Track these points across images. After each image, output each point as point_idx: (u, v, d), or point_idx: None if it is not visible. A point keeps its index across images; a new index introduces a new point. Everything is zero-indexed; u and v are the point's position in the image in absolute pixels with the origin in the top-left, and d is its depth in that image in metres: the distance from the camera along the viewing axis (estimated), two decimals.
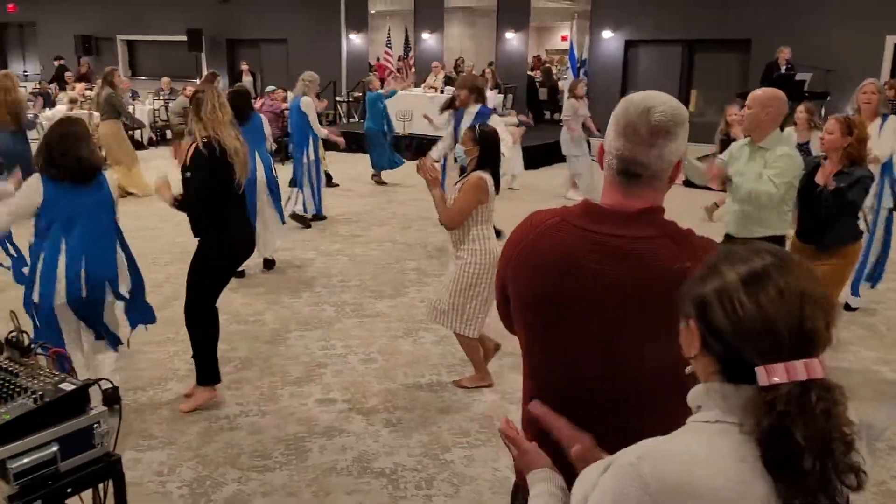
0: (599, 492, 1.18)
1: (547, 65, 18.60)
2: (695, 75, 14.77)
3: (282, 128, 12.43)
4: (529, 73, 17.22)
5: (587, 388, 1.61)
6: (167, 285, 6.62)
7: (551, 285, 1.63)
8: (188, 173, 4.17)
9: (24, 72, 21.28)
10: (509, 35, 16.71)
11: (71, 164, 3.73)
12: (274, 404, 4.49)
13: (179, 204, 4.25)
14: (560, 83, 17.31)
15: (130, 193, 10.17)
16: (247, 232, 4.52)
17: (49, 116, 11.96)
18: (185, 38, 18.89)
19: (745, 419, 1.08)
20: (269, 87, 14.28)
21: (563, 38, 18.11)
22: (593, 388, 1.61)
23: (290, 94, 14.29)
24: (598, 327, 1.58)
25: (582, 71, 15.14)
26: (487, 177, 4.33)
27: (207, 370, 4.40)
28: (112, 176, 4.12)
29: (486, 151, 4.40)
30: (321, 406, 4.49)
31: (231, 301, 6.22)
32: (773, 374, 1.06)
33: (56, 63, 18.58)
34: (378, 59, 17.94)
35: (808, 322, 1.07)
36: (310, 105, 8.46)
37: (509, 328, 1.89)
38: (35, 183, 3.74)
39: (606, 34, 15.39)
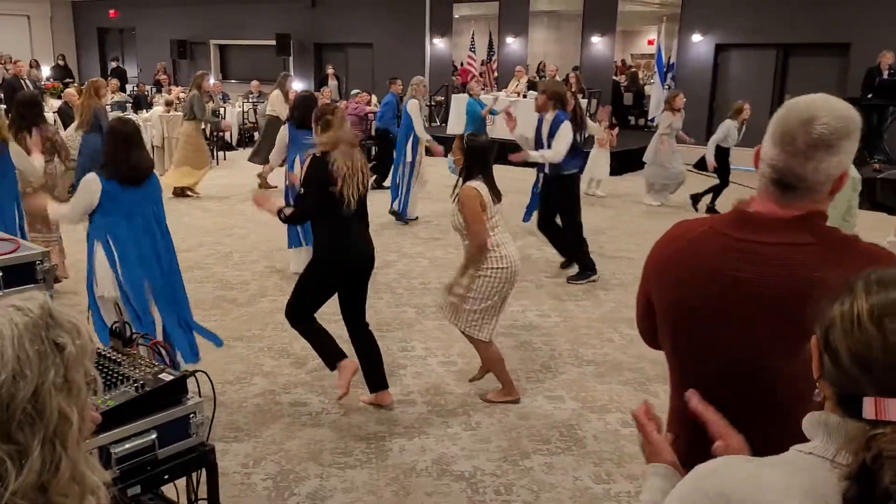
0: (675, 495, 1.16)
1: (633, 69, 18.31)
2: (789, 81, 14.23)
3: (365, 131, 12.63)
4: (614, 77, 16.99)
5: (731, 391, 1.58)
6: (254, 283, 6.80)
7: (699, 295, 1.61)
8: (301, 189, 4.26)
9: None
10: (595, 39, 16.52)
11: (123, 167, 3.99)
12: (355, 402, 4.55)
13: (286, 217, 4.30)
14: (646, 88, 17.02)
15: (187, 195, 10.53)
16: (362, 247, 4.38)
17: (146, 118, 12.47)
18: (273, 42, 19.41)
19: (843, 455, 1.01)
20: (354, 91, 14.53)
21: (650, 43, 17.78)
22: (737, 391, 1.58)
23: (374, 98, 14.56)
24: (744, 334, 1.55)
25: (669, 76, 14.84)
26: (477, 185, 4.25)
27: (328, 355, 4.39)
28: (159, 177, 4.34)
29: (473, 160, 4.30)
30: (401, 406, 4.52)
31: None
32: (884, 409, 0.97)
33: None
34: (462, 64, 18.02)
35: None
36: (415, 108, 8.67)
37: (650, 342, 1.91)
38: (93, 181, 3.97)
39: (696, 37, 15.02)
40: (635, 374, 5.00)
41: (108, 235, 3.98)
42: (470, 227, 4.25)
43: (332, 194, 4.08)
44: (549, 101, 6.91)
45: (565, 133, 6.64)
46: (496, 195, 4.33)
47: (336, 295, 4.40)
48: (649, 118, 15.55)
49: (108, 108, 9.65)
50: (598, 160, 10.79)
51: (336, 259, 4.24)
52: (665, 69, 14.77)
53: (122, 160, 3.96)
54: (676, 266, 1.68)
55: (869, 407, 0.98)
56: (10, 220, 5.12)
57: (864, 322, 1.01)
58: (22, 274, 2.60)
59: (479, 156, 4.31)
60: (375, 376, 4.42)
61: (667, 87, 14.74)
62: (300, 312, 4.35)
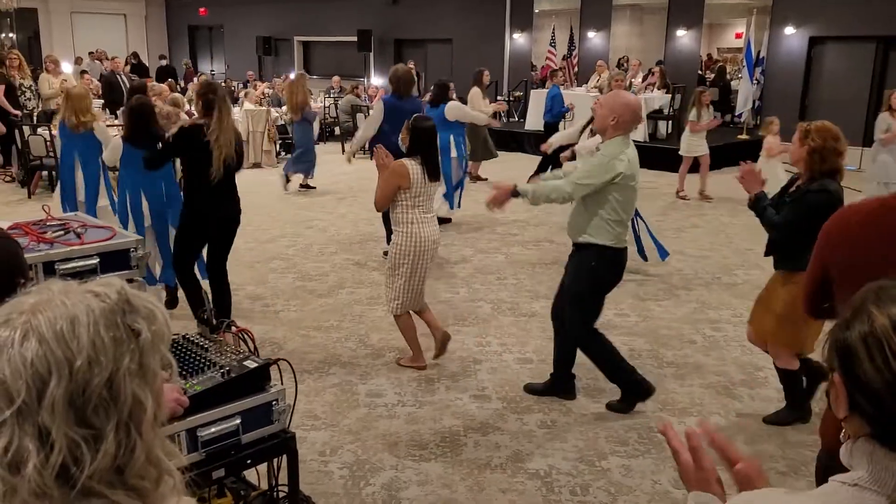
0: None
1: (720, 63, 17.77)
2: (889, 76, 13.54)
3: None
4: (700, 72, 16.53)
5: None
6: (332, 275, 6.91)
7: (880, 265, 1.70)
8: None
9: (212, 70, 22.95)
10: (680, 33, 16.11)
11: (144, 135, 5.41)
12: (430, 396, 4.57)
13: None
14: (733, 84, 16.50)
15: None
16: (227, 207, 5.10)
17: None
18: (355, 38, 19.67)
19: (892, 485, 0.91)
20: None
21: (738, 36, 17.21)
22: None
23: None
24: None
25: (759, 71, 14.35)
26: (410, 164, 4.59)
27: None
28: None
29: (416, 141, 4.67)
30: (476, 402, 4.52)
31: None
32: None
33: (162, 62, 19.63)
34: (541, 66, 17.84)
35: None
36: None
37: (813, 313, 2.27)
38: (119, 142, 5.65)
39: (788, 30, 14.46)
40: (718, 378, 4.86)
41: None
42: (377, 191, 4.73)
43: (202, 159, 4.77)
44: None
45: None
46: (433, 176, 4.68)
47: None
48: (736, 114, 15.06)
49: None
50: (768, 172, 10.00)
51: (205, 214, 5.01)
52: (754, 63, 14.28)
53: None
54: (860, 238, 2.03)
55: None
56: (92, 200, 6.40)
57: (891, 338, 0.91)
58: (118, 260, 2.70)
59: (422, 137, 4.68)
60: (221, 309, 5.12)
61: (755, 82, 14.25)
62: (182, 264, 5.17)
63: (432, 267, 7.13)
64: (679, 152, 10.60)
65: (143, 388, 0.92)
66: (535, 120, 14.13)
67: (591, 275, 4.24)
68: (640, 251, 7.08)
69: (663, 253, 7.25)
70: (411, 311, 4.86)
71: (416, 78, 8.82)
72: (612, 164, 4.03)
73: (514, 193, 4.22)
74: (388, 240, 7.14)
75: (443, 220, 8.92)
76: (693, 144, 10.38)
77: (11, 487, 0.85)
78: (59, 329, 0.88)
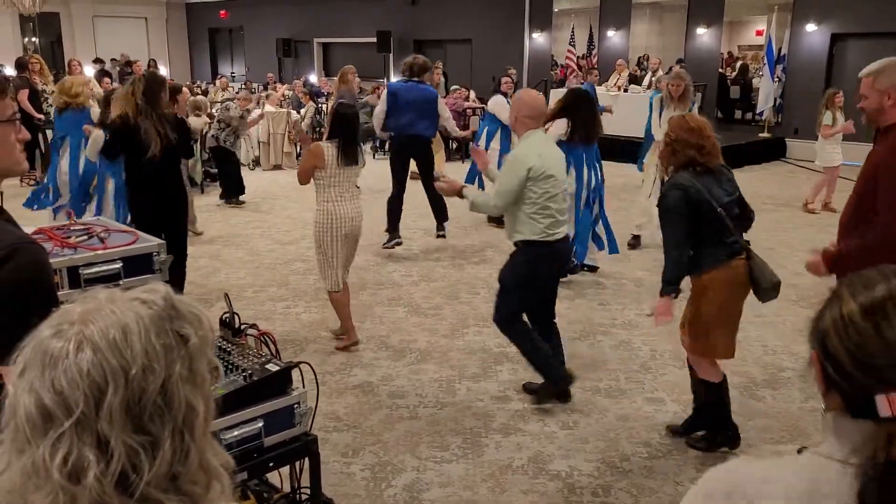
0: (691, 492, 1.20)
1: (742, 61, 17.61)
2: None
3: (463, 127, 12.66)
4: (720, 70, 16.40)
5: None
6: (353, 276, 6.91)
7: None
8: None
9: (232, 73, 23.10)
10: (700, 31, 15.99)
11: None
12: (451, 397, 4.57)
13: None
14: (754, 81, 16.35)
15: None
16: (170, 189, 5.46)
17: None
18: (374, 39, 19.71)
19: (857, 455, 1.02)
20: (453, 87, 14.61)
21: (758, 33, 17.05)
22: None
23: (472, 94, 14.59)
24: None
25: (780, 68, 14.21)
26: (327, 146, 4.91)
27: None
28: None
29: (336, 125, 5.00)
30: (497, 402, 4.51)
31: (412, 294, 6.42)
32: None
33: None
34: (561, 64, 17.77)
35: None
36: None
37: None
38: (99, 135, 6.00)
39: (810, 27, 14.31)
40: (740, 378, 4.82)
41: None
42: (299, 168, 5.15)
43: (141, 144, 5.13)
44: None
45: None
46: (351, 159, 4.98)
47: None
48: (757, 112, 14.93)
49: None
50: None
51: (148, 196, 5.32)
52: (775, 61, 14.14)
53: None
54: None
55: (883, 405, 0.99)
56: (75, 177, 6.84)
57: (857, 322, 1.04)
58: (141, 264, 2.73)
59: (342, 122, 4.99)
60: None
61: (777, 79, 14.12)
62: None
63: (454, 268, 7.19)
64: (816, 162, 9.82)
65: (195, 393, 0.93)
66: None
67: (521, 269, 4.34)
68: (608, 245, 6.89)
69: (613, 248, 6.98)
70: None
71: (432, 68, 8.89)
72: (522, 161, 4.17)
73: (460, 195, 4.45)
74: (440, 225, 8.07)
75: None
76: (829, 153, 9.44)
77: (71, 497, 0.86)
78: (112, 338, 0.89)
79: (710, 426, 3.97)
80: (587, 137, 6.12)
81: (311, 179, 5.03)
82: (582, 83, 13.42)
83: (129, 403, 0.88)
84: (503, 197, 4.21)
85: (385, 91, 7.89)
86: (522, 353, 4.51)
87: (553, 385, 4.45)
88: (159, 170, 5.22)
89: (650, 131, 7.71)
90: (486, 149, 8.32)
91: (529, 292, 4.41)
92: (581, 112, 6.04)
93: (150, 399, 0.89)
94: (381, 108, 7.65)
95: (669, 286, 3.70)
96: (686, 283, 3.81)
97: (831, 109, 9.30)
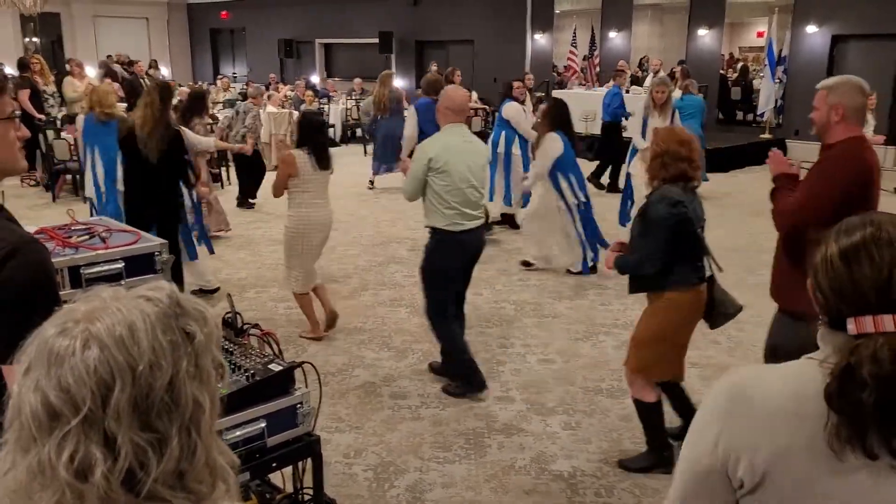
0: (703, 402, 1.43)
1: (743, 63, 17.62)
2: None
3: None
4: (721, 71, 16.40)
5: None
6: (355, 276, 6.93)
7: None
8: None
9: (234, 73, 23.11)
10: (701, 32, 15.99)
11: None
12: (454, 398, 4.56)
13: None
14: (754, 83, 16.34)
15: None
16: (160, 193, 5.56)
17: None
18: (376, 40, 19.71)
19: (833, 358, 1.26)
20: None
21: (759, 35, 17.05)
22: None
23: (474, 94, 14.58)
24: None
25: (781, 69, 14.19)
26: (299, 154, 5.02)
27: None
28: None
29: (303, 133, 5.11)
30: (500, 403, 4.51)
31: (414, 295, 6.41)
32: (861, 325, 1.25)
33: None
34: (568, 63, 17.76)
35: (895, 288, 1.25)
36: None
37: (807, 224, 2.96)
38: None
39: (811, 29, 14.29)
40: None
41: None
42: (274, 180, 5.21)
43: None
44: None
45: None
46: (323, 165, 5.09)
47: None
48: (758, 113, 14.92)
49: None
50: None
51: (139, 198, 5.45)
52: (776, 62, 14.13)
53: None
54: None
55: (851, 326, 1.26)
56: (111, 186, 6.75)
57: (835, 263, 1.30)
58: (142, 264, 2.72)
59: (309, 130, 5.13)
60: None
61: (777, 81, 14.11)
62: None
63: None
64: None
65: (201, 389, 0.93)
66: None
67: (432, 256, 4.56)
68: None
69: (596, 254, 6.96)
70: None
71: (445, 80, 9.12)
72: (425, 151, 4.39)
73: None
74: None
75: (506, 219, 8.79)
76: None
77: (79, 494, 0.86)
78: (118, 335, 0.88)
79: (650, 449, 3.80)
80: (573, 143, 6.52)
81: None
82: (583, 85, 13.44)
83: (136, 400, 0.87)
84: (409, 183, 4.48)
85: (412, 107, 8.31)
86: (444, 348, 4.71)
87: (467, 386, 4.59)
88: (157, 174, 5.37)
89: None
90: (506, 154, 8.35)
91: (444, 281, 4.58)
92: (567, 119, 6.34)
93: (158, 396, 0.88)
94: (412, 120, 7.93)
95: (619, 269, 3.67)
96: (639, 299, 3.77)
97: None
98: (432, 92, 8.05)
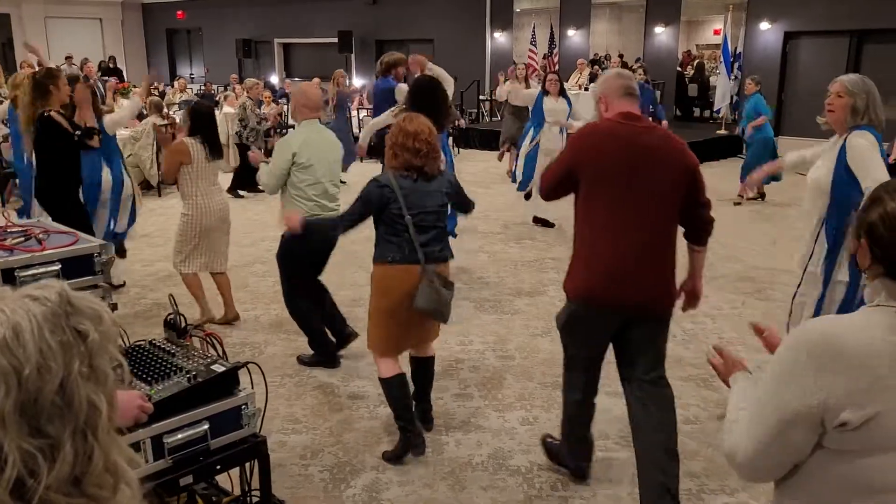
0: (776, 357, 1.54)
1: (699, 60, 17.85)
2: (862, 70, 13.62)
3: None
4: (678, 68, 16.60)
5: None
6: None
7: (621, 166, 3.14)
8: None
9: (191, 74, 22.80)
10: (658, 30, 16.19)
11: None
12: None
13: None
14: (711, 79, 16.58)
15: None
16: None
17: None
18: (336, 39, 19.60)
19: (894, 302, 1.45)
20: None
21: (716, 32, 17.30)
22: None
23: None
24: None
25: (736, 66, 14.41)
26: (190, 142, 5.21)
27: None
28: None
29: (195, 123, 5.29)
30: (458, 401, 4.49)
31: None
32: None
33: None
34: (528, 61, 17.82)
35: None
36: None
37: (550, 198, 3.62)
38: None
39: (764, 25, 14.56)
40: (698, 371, 4.86)
41: None
42: (163, 166, 5.51)
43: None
44: None
45: None
46: (216, 154, 5.32)
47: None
48: (714, 109, 15.13)
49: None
50: None
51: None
52: (732, 59, 14.34)
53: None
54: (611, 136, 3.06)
55: None
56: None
57: (895, 216, 1.46)
58: (81, 266, 2.65)
59: (202, 119, 5.33)
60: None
61: (733, 77, 14.32)
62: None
63: None
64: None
65: (97, 391, 0.89)
66: None
67: (286, 245, 4.78)
68: None
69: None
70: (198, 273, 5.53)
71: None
72: (288, 146, 4.62)
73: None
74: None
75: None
76: None
77: None
78: (1, 338, 0.84)
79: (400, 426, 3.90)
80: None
81: (177, 177, 5.32)
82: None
83: (23, 406, 0.83)
84: (272, 177, 4.67)
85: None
86: (300, 327, 5.00)
87: (324, 359, 4.95)
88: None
89: None
90: (518, 147, 8.58)
91: (297, 267, 4.81)
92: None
93: (48, 400, 0.84)
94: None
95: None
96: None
97: None
98: (390, 71, 7.74)
